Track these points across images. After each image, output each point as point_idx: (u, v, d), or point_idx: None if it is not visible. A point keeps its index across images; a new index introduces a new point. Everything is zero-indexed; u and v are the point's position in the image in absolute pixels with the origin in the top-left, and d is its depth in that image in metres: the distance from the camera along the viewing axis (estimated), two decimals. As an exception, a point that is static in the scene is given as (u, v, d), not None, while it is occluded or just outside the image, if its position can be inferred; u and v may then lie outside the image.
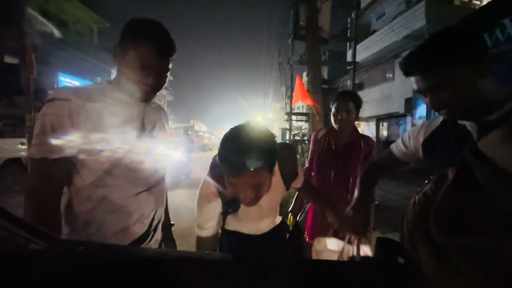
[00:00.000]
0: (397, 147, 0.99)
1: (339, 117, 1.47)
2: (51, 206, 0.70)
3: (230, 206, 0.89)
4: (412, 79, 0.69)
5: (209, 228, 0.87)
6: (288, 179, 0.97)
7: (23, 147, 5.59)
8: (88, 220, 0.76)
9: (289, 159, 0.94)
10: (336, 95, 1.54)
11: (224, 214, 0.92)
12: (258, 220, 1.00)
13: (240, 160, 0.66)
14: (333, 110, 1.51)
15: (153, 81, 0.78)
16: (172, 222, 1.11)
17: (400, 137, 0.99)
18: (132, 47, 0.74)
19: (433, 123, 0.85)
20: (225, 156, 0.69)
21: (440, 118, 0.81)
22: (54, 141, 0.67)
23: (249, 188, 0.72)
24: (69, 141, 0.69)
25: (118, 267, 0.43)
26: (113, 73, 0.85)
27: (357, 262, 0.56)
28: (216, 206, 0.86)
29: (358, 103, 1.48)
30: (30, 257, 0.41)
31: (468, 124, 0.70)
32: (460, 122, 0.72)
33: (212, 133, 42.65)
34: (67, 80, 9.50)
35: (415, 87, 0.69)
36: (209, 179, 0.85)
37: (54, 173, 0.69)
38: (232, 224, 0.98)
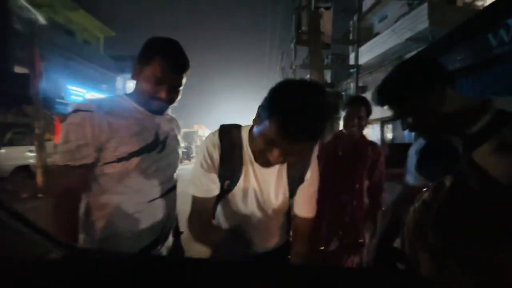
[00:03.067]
0: (409, 179, 0.99)
1: (350, 123, 1.47)
2: (72, 210, 0.75)
3: (228, 176, 0.77)
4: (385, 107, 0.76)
5: (207, 186, 0.76)
6: (294, 182, 0.81)
7: (31, 154, 5.70)
8: (104, 226, 0.80)
9: (302, 157, 0.78)
10: (348, 100, 1.54)
11: (219, 196, 0.80)
12: (255, 215, 0.82)
13: (307, 128, 0.56)
14: (344, 115, 1.50)
15: (166, 94, 0.84)
16: (181, 230, 1.12)
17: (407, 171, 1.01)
18: (148, 63, 0.81)
19: (418, 144, 0.90)
20: (286, 113, 0.57)
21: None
22: (76, 150, 0.74)
23: (292, 154, 0.63)
24: (89, 150, 0.75)
25: (134, 274, 0.43)
26: (119, 81, 0.91)
27: (359, 268, 0.55)
28: (215, 163, 0.76)
29: (369, 109, 1.49)
30: (51, 265, 0.43)
31: (452, 139, 0.73)
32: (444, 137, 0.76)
33: (216, 137, 42.43)
34: (74, 89, 9.70)
35: (390, 112, 0.76)
36: (215, 133, 0.78)
37: (75, 179, 0.75)
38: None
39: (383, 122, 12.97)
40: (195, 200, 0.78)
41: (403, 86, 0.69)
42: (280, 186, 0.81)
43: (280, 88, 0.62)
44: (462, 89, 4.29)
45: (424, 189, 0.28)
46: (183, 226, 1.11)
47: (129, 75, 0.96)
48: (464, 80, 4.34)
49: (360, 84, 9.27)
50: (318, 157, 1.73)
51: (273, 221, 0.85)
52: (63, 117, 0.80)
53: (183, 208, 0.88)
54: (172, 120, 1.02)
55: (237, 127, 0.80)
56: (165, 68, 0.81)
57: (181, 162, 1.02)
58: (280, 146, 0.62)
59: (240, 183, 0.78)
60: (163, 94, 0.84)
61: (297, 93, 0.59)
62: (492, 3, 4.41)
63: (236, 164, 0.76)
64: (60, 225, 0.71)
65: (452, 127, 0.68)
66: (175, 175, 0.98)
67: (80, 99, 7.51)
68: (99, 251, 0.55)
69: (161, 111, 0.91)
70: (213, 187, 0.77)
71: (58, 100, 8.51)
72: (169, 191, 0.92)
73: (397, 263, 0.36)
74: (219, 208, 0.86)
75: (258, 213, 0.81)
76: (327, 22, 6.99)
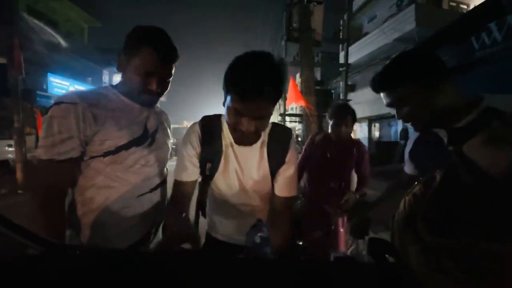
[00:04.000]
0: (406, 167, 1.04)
1: (337, 129, 1.60)
2: (57, 206, 0.71)
3: (209, 158, 0.82)
4: (381, 95, 0.78)
5: (188, 170, 0.81)
6: (274, 159, 0.84)
7: (10, 149, 5.44)
8: (91, 221, 0.77)
9: (282, 137, 0.85)
10: (335, 108, 1.65)
11: (203, 179, 0.86)
12: (238, 196, 0.86)
13: (255, 86, 0.62)
14: (331, 123, 1.63)
15: (156, 86, 0.82)
16: None
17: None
18: (136, 53, 0.78)
19: (414, 134, 0.94)
20: (236, 79, 0.66)
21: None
22: (61, 143, 0.70)
23: (253, 117, 0.68)
24: (74, 143, 0.72)
25: (115, 271, 0.43)
26: (105, 74, 0.87)
27: (349, 261, 0.57)
28: (194, 148, 0.82)
29: (354, 118, 1.64)
30: (27, 262, 0.42)
31: (439, 131, 0.77)
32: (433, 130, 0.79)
33: (206, 134, 42.30)
34: (57, 81, 9.30)
35: (384, 101, 0.78)
36: (196, 122, 0.85)
37: (60, 174, 0.71)
38: (214, 208, 0.91)
39: (371, 121, 13.26)
40: (177, 184, 0.83)
41: (402, 73, 0.71)
42: (261, 166, 0.84)
43: (230, 64, 0.69)
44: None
45: (415, 183, 0.29)
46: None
47: (115, 69, 0.93)
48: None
49: (349, 82, 9.42)
50: (308, 156, 1.87)
51: (256, 202, 0.88)
52: (46, 110, 0.75)
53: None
54: (161, 113, 0.99)
55: (217, 116, 0.87)
56: (155, 58, 0.78)
57: (170, 158, 1.00)
58: (243, 112, 0.68)
59: (222, 164, 0.83)
60: (152, 86, 0.81)
61: (243, 61, 0.67)
62: (475, 8, 4.57)
63: (216, 147, 0.82)
64: (46, 222, 0.68)
65: (443, 120, 0.71)
66: (165, 169, 0.96)
67: (64, 92, 7.22)
68: (79, 247, 0.53)
69: (150, 104, 0.89)
70: (195, 171, 0.83)
71: (39, 92, 8.15)
72: (159, 185, 0.90)
73: (386, 255, 0.38)
74: (208, 192, 0.91)
75: (241, 194, 0.86)
76: (318, 19, 7.02)
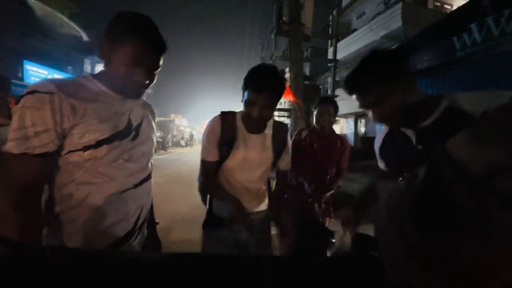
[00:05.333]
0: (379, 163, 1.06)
1: (321, 119, 1.74)
2: (32, 204, 0.66)
3: (224, 145, 1.08)
4: (353, 96, 0.79)
5: (212, 152, 1.08)
6: (278, 148, 1.15)
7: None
8: (69, 219, 0.73)
9: (282, 131, 1.19)
10: (318, 101, 1.82)
11: (220, 161, 1.10)
12: (247, 174, 1.12)
13: (265, 80, 0.95)
14: (315, 113, 1.79)
15: (145, 77, 0.78)
16: (157, 221, 1.09)
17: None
18: (123, 42, 0.73)
19: (383, 130, 0.96)
20: (252, 77, 0.98)
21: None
22: (35, 136, 0.64)
23: (262, 106, 0.97)
24: (50, 137, 0.66)
25: (89, 274, 0.40)
26: (86, 63, 0.81)
27: (332, 257, 0.58)
28: (215, 135, 1.08)
29: (336, 108, 1.79)
30: None
31: (406, 130, 0.80)
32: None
33: (193, 127, 42.08)
34: (33, 69, 8.78)
35: (358, 103, 0.79)
36: (218, 116, 1.11)
37: (35, 169, 0.66)
38: (224, 183, 1.14)
39: (357, 116, 13.56)
40: (205, 163, 1.11)
41: (369, 75, 0.72)
42: (265, 151, 1.13)
43: (249, 70, 1.01)
44: (428, 88, 4.60)
45: (400, 179, 0.30)
46: (158, 217, 1.09)
47: (97, 58, 0.87)
48: (430, 79, 4.66)
49: (337, 78, 9.55)
50: (295, 149, 1.97)
51: (257, 179, 1.14)
52: (18, 99, 0.67)
53: (159, 202, 0.86)
54: (146, 105, 0.95)
55: (232, 112, 1.13)
56: (145, 48, 0.74)
57: (155, 152, 0.96)
58: (256, 102, 0.97)
59: (236, 148, 1.08)
60: (140, 77, 0.77)
61: (257, 69, 1.00)
62: (458, 9, 4.72)
63: (232, 135, 1.08)
64: (20, 222, 0.63)
65: (411, 119, 0.74)
66: (149, 164, 0.93)
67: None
68: (50, 248, 0.49)
69: (137, 96, 0.84)
70: (216, 153, 1.09)
71: (14, 81, 7.68)
72: (144, 181, 0.87)
73: (370, 251, 0.39)
74: (221, 171, 1.13)
75: (248, 172, 1.11)
76: (308, 14, 7.01)
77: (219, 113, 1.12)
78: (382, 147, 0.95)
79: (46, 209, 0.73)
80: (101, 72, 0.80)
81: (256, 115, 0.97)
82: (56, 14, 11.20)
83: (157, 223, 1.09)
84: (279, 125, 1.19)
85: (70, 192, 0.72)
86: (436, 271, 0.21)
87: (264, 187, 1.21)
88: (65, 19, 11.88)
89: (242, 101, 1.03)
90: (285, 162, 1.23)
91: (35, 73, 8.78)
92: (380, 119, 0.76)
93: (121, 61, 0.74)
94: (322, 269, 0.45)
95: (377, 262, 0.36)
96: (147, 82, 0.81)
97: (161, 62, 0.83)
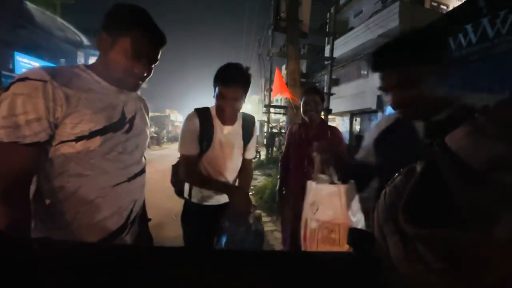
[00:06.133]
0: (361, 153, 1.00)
1: (307, 108, 1.73)
2: (20, 196, 0.65)
3: (204, 138, 1.20)
4: (379, 74, 0.70)
5: (193, 146, 1.19)
6: (246, 137, 1.31)
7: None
8: (59, 212, 0.71)
9: (250, 122, 1.34)
10: (304, 91, 1.82)
11: (201, 153, 1.21)
12: (225, 163, 1.25)
13: (232, 75, 1.11)
14: (302, 103, 1.78)
15: (143, 70, 0.78)
16: (149, 218, 1.08)
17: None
18: (124, 35, 0.72)
19: (384, 122, 0.89)
20: (221, 73, 1.12)
21: (393, 118, 0.85)
22: (26, 125, 0.62)
23: (232, 99, 1.11)
24: (42, 126, 0.64)
25: (78, 267, 0.39)
26: (80, 55, 0.79)
27: (328, 252, 0.58)
28: (195, 131, 1.19)
29: (322, 96, 1.78)
30: None
31: (416, 123, 0.74)
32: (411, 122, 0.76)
33: (189, 123, 41.68)
34: (25, 61, 8.58)
35: (380, 83, 0.70)
36: (194, 112, 1.22)
37: (24, 160, 0.64)
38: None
39: (353, 115, 13.65)
40: (185, 157, 1.21)
41: (415, 51, 0.64)
42: (238, 140, 1.29)
43: (219, 68, 1.15)
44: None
45: (396, 174, 0.29)
46: (150, 213, 1.08)
47: (92, 51, 0.85)
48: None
49: (333, 76, 9.56)
50: (288, 143, 1.97)
51: (233, 166, 1.30)
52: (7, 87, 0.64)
53: (151, 197, 0.84)
54: (139, 99, 0.94)
55: (206, 108, 1.26)
56: (146, 41, 0.75)
57: (149, 147, 0.95)
58: (225, 95, 1.11)
59: (214, 140, 1.21)
60: (138, 70, 0.77)
61: (225, 65, 1.15)
62: (453, 9, 4.75)
63: (209, 128, 1.21)
64: (7, 213, 0.61)
65: (430, 111, 0.68)
66: (143, 158, 0.91)
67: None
68: (38, 240, 0.48)
69: (134, 88, 0.84)
70: (197, 147, 1.20)
71: (5, 73, 7.50)
72: (137, 175, 0.86)
73: (365, 246, 0.39)
74: (201, 162, 1.24)
75: (225, 161, 1.25)
76: (305, 11, 6.98)
77: (193, 110, 1.24)
78: (380, 139, 0.88)
79: (35, 201, 0.71)
80: (95, 63, 0.79)
81: (227, 107, 1.13)
82: (48, 7, 10.92)
83: (150, 220, 1.08)
84: (247, 117, 1.33)
85: (61, 184, 0.70)
86: (432, 264, 0.21)
87: (236, 169, 1.34)
88: (58, 18, 11.60)
89: (213, 96, 1.16)
90: (251, 152, 1.37)
91: (27, 64, 8.57)
92: (399, 104, 0.69)
93: (122, 53, 0.73)
94: (317, 264, 0.45)
95: (373, 257, 0.36)
96: (145, 74, 0.80)
97: (159, 56, 0.82)
